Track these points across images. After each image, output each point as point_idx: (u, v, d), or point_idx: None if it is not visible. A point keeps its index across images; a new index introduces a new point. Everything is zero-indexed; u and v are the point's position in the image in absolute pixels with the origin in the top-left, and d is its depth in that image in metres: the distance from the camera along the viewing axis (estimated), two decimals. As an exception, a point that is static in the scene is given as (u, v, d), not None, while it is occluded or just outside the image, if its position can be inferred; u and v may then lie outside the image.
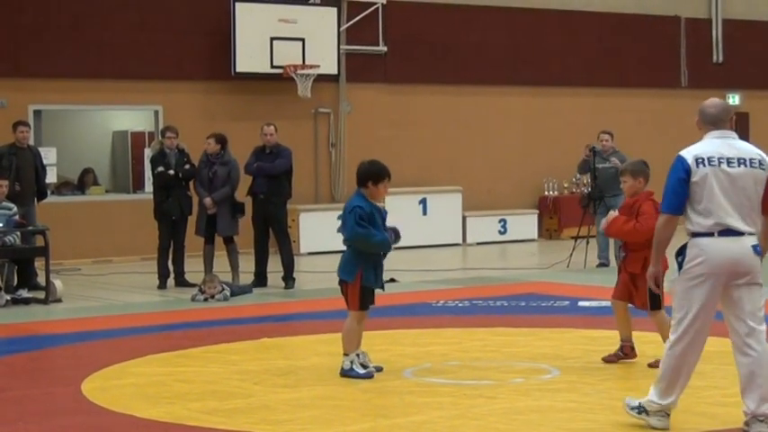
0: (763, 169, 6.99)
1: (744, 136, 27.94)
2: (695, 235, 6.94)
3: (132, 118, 22.42)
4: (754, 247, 6.95)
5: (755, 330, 6.93)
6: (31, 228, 15.17)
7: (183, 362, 9.99)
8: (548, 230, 23.52)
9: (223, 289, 14.37)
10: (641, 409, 7.19)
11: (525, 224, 23.11)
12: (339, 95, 21.91)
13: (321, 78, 20.86)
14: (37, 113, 19.71)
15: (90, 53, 19.63)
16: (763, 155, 7.08)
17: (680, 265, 6.99)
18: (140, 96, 20.32)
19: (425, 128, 22.66)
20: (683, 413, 7.43)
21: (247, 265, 15.92)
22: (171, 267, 15.86)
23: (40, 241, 14.94)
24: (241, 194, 15.79)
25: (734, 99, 26.37)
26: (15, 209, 14.78)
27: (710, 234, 6.89)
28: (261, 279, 15.65)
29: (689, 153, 7.00)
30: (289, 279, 15.53)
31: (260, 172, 15.39)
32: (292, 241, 16.27)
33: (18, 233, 14.72)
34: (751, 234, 6.95)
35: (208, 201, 15.34)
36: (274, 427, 7.47)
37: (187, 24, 20.41)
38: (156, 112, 20.40)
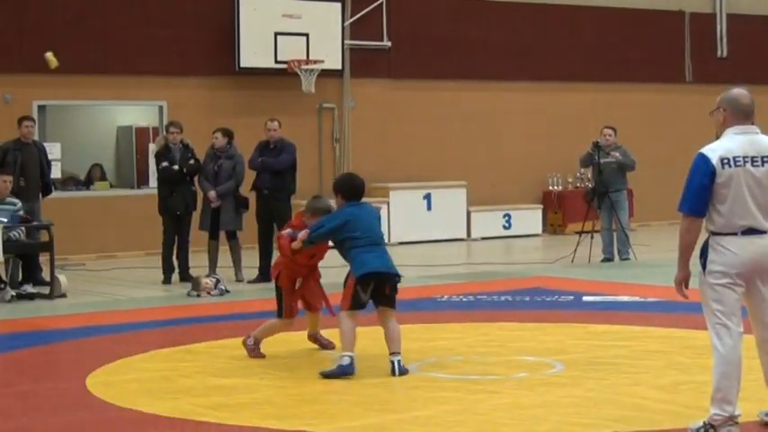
0: None
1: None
2: (717, 234, 6.77)
3: (137, 113, 22.44)
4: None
5: None
6: (35, 223, 15.18)
7: (188, 357, 10.00)
8: (552, 225, 23.51)
9: (218, 282, 14.39)
10: (708, 427, 6.84)
11: (530, 219, 23.10)
12: (343, 91, 21.90)
13: (325, 73, 20.86)
14: (41, 109, 19.72)
15: (94, 48, 19.63)
16: None
17: (703, 267, 6.81)
18: (145, 92, 20.33)
19: (429, 123, 22.65)
20: (690, 408, 7.44)
21: (252, 260, 15.93)
22: (175, 262, 15.87)
23: (44, 236, 14.95)
24: (245, 190, 15.80)
25: (738, 94, 26.33)
26: (20, 204, 14.79)
27: (734, 233, 6.74)
28: (265, 274, 15.65)
29: (713, 153, 6.74)
30: (293, 274, 15.52)
31: (264, 167, 15.40)
32: (296, 236, 16.22)
33: (23, 228, 14.73)
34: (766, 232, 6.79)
35: (212, 194, 15.35)
36: (279, 421, 7.47)
37: (191, 20, 20.41)
38: (161, 108, 20.41)
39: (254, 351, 9.79)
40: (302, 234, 9.27)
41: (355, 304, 9.00)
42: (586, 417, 7.45)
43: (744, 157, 6.73)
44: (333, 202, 9.64)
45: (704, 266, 6.80)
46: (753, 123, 6.95)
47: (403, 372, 8.86)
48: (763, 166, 6.77)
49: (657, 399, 7.86)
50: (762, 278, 6.81)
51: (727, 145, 6.79)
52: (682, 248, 6.87)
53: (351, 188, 9.50)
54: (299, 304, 9.88)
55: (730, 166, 6.71)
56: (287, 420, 7.50)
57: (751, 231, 6.74)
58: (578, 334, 10.81)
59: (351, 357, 8.84)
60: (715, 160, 6.72)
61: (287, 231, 9.60)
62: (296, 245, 9.30)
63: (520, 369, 9.05)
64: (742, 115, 6.92)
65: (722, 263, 6.73)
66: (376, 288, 9.03)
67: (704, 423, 6.79)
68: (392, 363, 8.90)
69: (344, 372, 8.78)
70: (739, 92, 7.03)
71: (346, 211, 9.30)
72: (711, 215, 6.78)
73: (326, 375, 8.83)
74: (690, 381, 8.49)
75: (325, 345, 10.11)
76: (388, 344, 9.03)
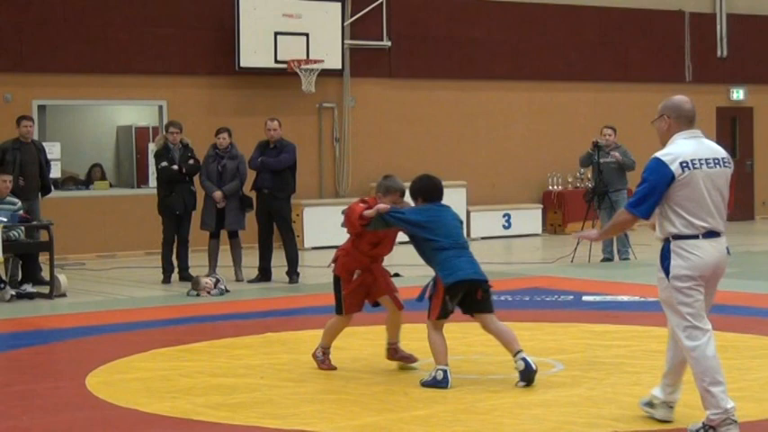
0: (729, 167, 6.96)
1: (749, 131, 27.60)
2: (679, 237, 6.79)
3: (137, 113, 22.45)
4: (727, 248, 6.93)
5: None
6: (35, 223, 15.18)
7: (188, 356, 10.00)
8: (552, 225, 23.51)
9: (218, 281, 14.39)
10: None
11: (529, 219, 23.11)
12: (343, 90, 21.90)
13: (325, 73, 20.85)
14: (41, 108, 19.74)
15: (94, 48, 19.64)
16: (725, 152, 7.00)
17: (666, 272, 6.82)
18: (145, 91, 20.33)
19: (429, 123, 22.66)
20: (687, 408, 7.42)
21: (252, 260, 15.93)
22: (175, 262, 15.88)
23: (44, 236, 14.94)
24: (246, 189, 15.80)
25: (738, 94, 26.36)
26: (20, 204, 14.79)
27: (695, 236, 6.77)
28: (265, 274, 15.66)
29: (672, 158, 6.78)
30: (293, 274, 15.54)
31: (264, 167, 15.40)
32: (296, 236, 16.25)
33: (22, 228, 14.73)
34: (723, 234, 6.89)
35: (218, 194, 15.35)
36: (279, 421, 7.47)
37: (191, 19, 20.41)
38: (161, 107, 20.42)
39: (324, 363, 9.16)
40: (380, 206, 8.67)
41: (443, 313, 8.53)
42: (586, 417, 7.45)
43: (699, 160, 6.81)
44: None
45: (667, 271, 6.81)
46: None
47: (534, 365, 8.32)
48: (716, 166, 6.86)
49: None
50: (714, 280, 6.90)
51: (681, 149, 6.84)
52: (613, 230, 7.29)
53: (431, 189, 8.92)
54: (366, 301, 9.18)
55: (690, 169, 6.77)
56: (287, 420, 7.50)
57: (711, 234, 6.80)
58: (578, 334, 10.81)
59: (444, 371, 8.39)
60: (674, 165, 6.77)
61: (361, 206, 8.87)
62: (369, 212, 8.64)
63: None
64: (686, 121, 6.98)
65: (688, 267, 6.76)
66: (466, 295, 8.53)
67: (703, 424, 6.78)
68: (523, 360, 8.35)
69: (438, 385, 8.32)
70: (681, 98, 7.10)
71: (430, 212, 8.73)
72: (672, 219, 6.80)
73: (423, 385, 8.42)
74: (690, 381, 8.43)
75: (407, 358, 9.19)
76: (506, 347, 8.51)
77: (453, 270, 8.45)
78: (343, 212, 9.01)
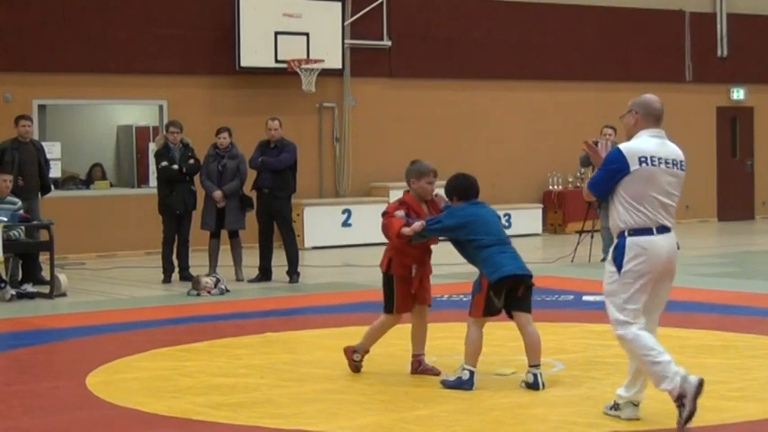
0: (684, 170, 7.21)
1: (749, 130, 27.54)
2: (634, 232, 7.03)
3: (137, 112, 22.45)
4: (677, 243, 7.21)
5: (656, 322, 7.25)
6: (35, 222, 15.18)
7: (188, 356, 10.00)
8: (552, 225, 23.52)
9: (218, 281, 14.40)
10: (615, 407, 7.32)
11: (530, 218, 23.11)
12: (344, 90, 21.90)
13: (325, 73, 20.86)
14: (41, 108, 19.74)
15: (95, 48, 19.65)
16: (684, 156, 7.28)
17: (618, 265, 7.04)
18: (145, 91, 20.33)
19: (429, 122, 22.65)
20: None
21: (252, 259, 15.93)
22: (175, 262, 15.87)
23: (44, 236, 14.94)
24: (246, 189, 15.80)
25: (738, 93, 26.35)
26: (20, 203, 14.79)
27: (650, 231, 7.01)
28: (265, 273, 15.66)
29: (632, 152, 7.07)
30: (293, 273, 15.54)
31: (265, 166, 15.40)
32: (297, 236, 16.25)
33: (23, 228, 14.73)
34: (673, 230, 7.15)
35: (218, 194, 15.35)
36: (279, 421, 7.47)
37: (192, 19, 20.41)
38: (161, 107, 20.42)
39: (354, 364, 8.97)
40: (417, 225, 8.53)
41: (488, 311, 8.38)
42: (586, 416, 7.45)
43: (659, 158, 7.08)
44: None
45: (620, 266, 7.03)
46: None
47: (542, 385, 8.24)
48: (673, 167, 7.12)
49: (657, 399, 7.84)
50: (666, 276, 7.12)
51: (643, 145, 7.12)
52: (585, 192, 7.42)
53: (467, 187, 8.92)
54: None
55: (647, 165, 7.04)
56: (287, 420, 7.50)
57: (663, 230, 7.05)
58: (578, 333, 10.81)
59: (471, 372, 8.30)
60: (633, 158, 7.04)
61: (399, 213, 8.76)
62: (408, 231, 8.52)
63: (520, 368, 9.04)
64: (653, 119, 7.26)
65: (641, 263, 7.00)
66: (509, 291, 8.41)
67: (675, 402, 6.97)
68: (534, 376, 8.29)
69: (462, 386, 8.24)
70: (651, 97, 7.39)
71: (466, 211, 8.68)
72: (628, 212, 7.05)
73: (446, 386, 8.40)
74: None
75: (430, 370, 8.91)
76: (528, 354, 8.39)
77: (498, 267, 8.34)
78: (383, 215, 8.88)
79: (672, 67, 25.49)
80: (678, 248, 7.19)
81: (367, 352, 9.03)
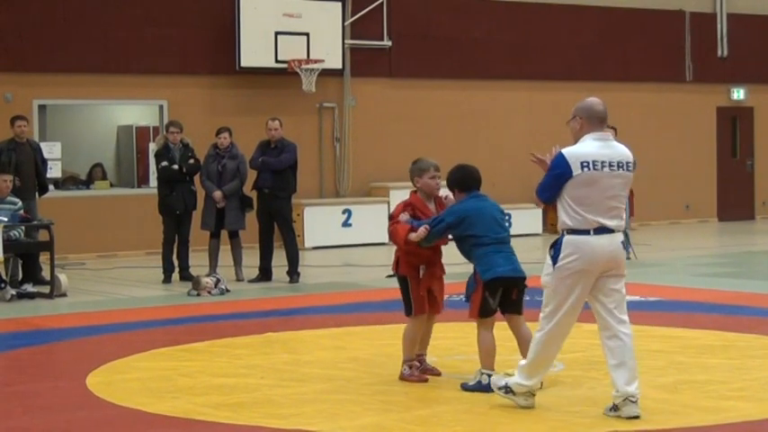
0: (631, 171, 7.39)
1: (749, 130, 27.45)
2: (571, 232, 7.30)
3: (137, 112, 22.44)
4: (622, 242, 7.41)
5: (624, 319, 7.41)
6: (36, 222, 15.18)
7: (188, 356, 10.00)
8: (552, 225, 23.50)
9: (218, 281, 14.40)
10: (508, 390, 7.60)
11: (530, 218, 23.11)
12: (344, 90, 21.90)
13: (326, 73, 20.85)
14: (42, 108, 19.74)
15: (95, 48, 19.64)
16: (632, 157, 7.44)
17: (554, 260, 7.32)
18: (145, 91, 20.33)
19: (430, 122, 22.64)
20: (690, 408, 7.44)
21: (252, 259, 15.93)
22: (175, 262, 15.88)
23: (44, 236, 14.94)
24: (246, 189, 15.80)
25: (738, 93, 26.35)
26: (20, 203, 14.79)
27: (586, 232, 7.24)
28: (266, 273, 15.66)
29: (574, 157, 7.24)
30: (293, 273, 15.54)
31: (265, 166, 15.40)
32: (297, 236, 16.25)
33: (23, 228, 14.73)
34: (618, 231, 7.32)
35: (218, 194, 15.35)
36: (279, 421, 7.47)
37: (192, 19, 20.41)
38: (161, 107, 20.42)
39: (413, 375, 8.67)
40: (421, 231, 8.42)
41: (484, 312, 8.30)
42: (586, 416, 7.45)
43: (602, 162, 7.24)
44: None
45: (555, 261, 7.31)
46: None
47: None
48: (618, 169, 7.29)
49: (657, 398, 7.86)
50: (611, 274, 7.31)
51: (586, 149, 7.29)
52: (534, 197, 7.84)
53: (467, 177, 8.88)
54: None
55: (589, 169, 7.23)
56: (287, 420, 7.50)
57: (602, 230, 7.24)
58: (578, 333, 10.74)
59: (490, 375, 8.15)
60: (575, 163, 7.21)
61: (404, 217, 8.69)
62: (414, 237, 8.45)
63: (519, 369, 9.04)
64: (597, 122, 7.40)
65: (574, 260, 7.25)
66: (503, 293, 8.34)
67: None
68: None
69: (483, 390, 8.10)
70: (594, 100, 7.51)
71: (465, 205, 8.57)
72: (568, 213, 7.32)
73: (466, 389, 8.25)
74: (690, 380, 8.49)
75: (431, 371, 8.88)
76: (523, 354, 8.17)
77: (491, 266, 8.28)
78: (389, 219, 8.92)
79: (672, 67, 25.49)
80: (625, 248, 7.46)
81: (413, 360, 8.74)
